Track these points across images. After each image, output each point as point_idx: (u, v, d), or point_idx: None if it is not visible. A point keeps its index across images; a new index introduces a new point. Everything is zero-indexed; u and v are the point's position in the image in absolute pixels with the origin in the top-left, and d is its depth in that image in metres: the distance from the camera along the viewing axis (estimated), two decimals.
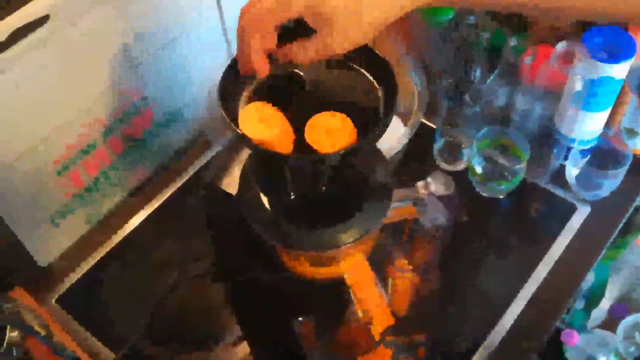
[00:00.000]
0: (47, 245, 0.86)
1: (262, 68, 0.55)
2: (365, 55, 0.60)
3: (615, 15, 0.52)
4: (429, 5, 0.54)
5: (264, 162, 0.67)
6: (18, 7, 0.65)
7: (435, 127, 0.93)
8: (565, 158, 0.89)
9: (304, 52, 0.54)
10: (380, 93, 0.60)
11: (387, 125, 0.58)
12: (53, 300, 0.84)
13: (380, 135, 0.58)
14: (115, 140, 0.86)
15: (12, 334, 0.71)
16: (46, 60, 0.70)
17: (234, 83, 0.60)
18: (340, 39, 0.52)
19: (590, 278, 1.19)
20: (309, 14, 0.51)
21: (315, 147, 0.56)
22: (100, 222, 0.91)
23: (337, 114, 0.58)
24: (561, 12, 0.52)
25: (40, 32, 0.68)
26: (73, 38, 0.72)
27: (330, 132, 0.57)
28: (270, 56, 0.55)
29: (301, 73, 0.60)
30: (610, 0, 0.51)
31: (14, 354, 0.70)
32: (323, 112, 0.58)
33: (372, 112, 0.59)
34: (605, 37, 0.79)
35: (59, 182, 0.81)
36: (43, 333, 0.74)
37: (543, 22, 0.89)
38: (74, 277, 0.86)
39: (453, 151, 0.92)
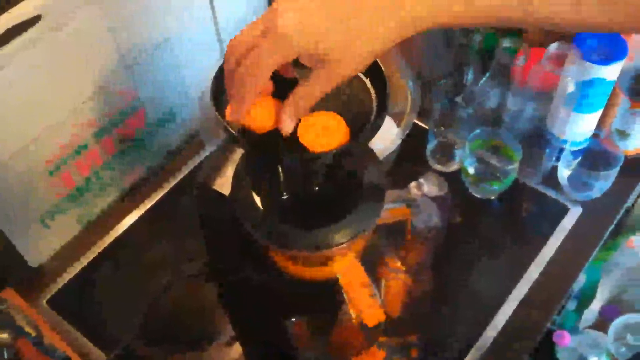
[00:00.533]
0: (38, 246, 0.85)
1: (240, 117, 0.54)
2: None
3: (610, 29, 0.53)
4: (419, 32, 0.53)
5: (257, 162, 0.67)
6: (10, 7, 0.65)
7: (428, 128, 0.94)
8: (557, 159, 0.90)
9: (310, 96, 0.53)
10: (372, 93, 0.60)
11: (379, 126, 0.58)
12: (44, 302, 0.83)
13: (372, 135, 0.58)
14: (108, 141, 0.85)
15: (3, 335, 0.70)
16: (38, 60, 0.70)
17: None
18: (337, 74, 0.52)
19: (581, 279, 1.20)
20: (305, 55, 0.50)
21: (308, 146, 0.56)
22: (92, 223, 0.91)
23: (330, 113, 0.58)
24: (556, 26, 0.52)
25: (32, 32, 0.68)
26: (65, 38, 0.72)
27: (323, 132, 0.57)
28: None
29: (294, 74, 0.60)
30: (606, 15, 0.52)
31: (5, 355, 0.70)
32: (316, 112, 0.58)
33: (364, 112, 0.59)
34: (597, 39, 0.79)
35: (50, 182, 0.81)
36: (34, 334, 0.73)
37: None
38: (65, 278, 0.86)
39: (446, 152, 0.92)
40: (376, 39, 0.51)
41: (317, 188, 0.64)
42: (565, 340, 1.11)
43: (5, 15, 0.65)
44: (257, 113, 0.55)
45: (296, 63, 0.54)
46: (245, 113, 0.53)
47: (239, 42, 0.51)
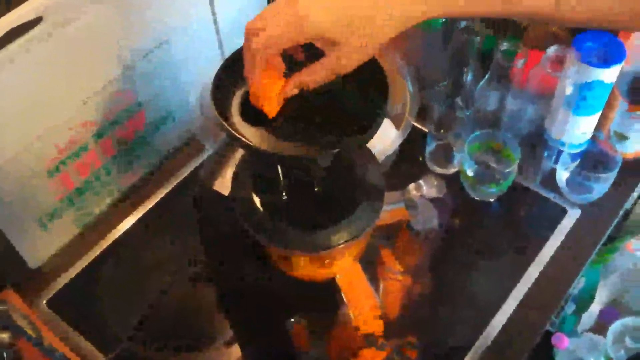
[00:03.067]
0: (38, 247, 0.85)
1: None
2: None
3: (589, 26, 0.55)
4: (428, 18, 0.55)
5: (257, 162, 0.68)
6: (10, 9, 0.65)
7: (427, 130, 0.94)
8: (556, 161, 0.90)
9: (315, 76, 0.55)
10: (372, 94, 0.61)
11: (379, 125, 0.58)
12: (44, 303, 0.83)
13: (372, 134, 0.58)
14: (107, 142, 0.86)
15: (3, 336, 0.70)
16: (38, 62, 0.70)
17: (226, 84, 0.61)
18: (349, 59, 0.54)
19: (580, 282, 1.20)
20: (318, 39, 0.52)
21: None
22: (91, 224, 0.91)
23: None
24: (536, 21, 0.55)
25: (32, 34, 0.68)
26: (65, 40, 0.72)
27: None
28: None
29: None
30: (583, 14, 0.53)
31: (4, 356, 0.70)
32: None
33: (364, 113, 0.59)
34: (596, 42, 0.79)
35: (49, 184, 0.81)
36: (33, 335, 0.73)
37: (536, 28, 0.90)
38: (65, 279, 0.86)
39: (445, 154, 0.93)
40: (388, 27, 0.53)
41: (317, 189, 0.65)
42: (563, 343, 1.11)
43: (5, 17, 0.65)
44: (266, 85, 0.57)
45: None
46: (254, 83, 0.56)
47: (256, 23, 0.53)
